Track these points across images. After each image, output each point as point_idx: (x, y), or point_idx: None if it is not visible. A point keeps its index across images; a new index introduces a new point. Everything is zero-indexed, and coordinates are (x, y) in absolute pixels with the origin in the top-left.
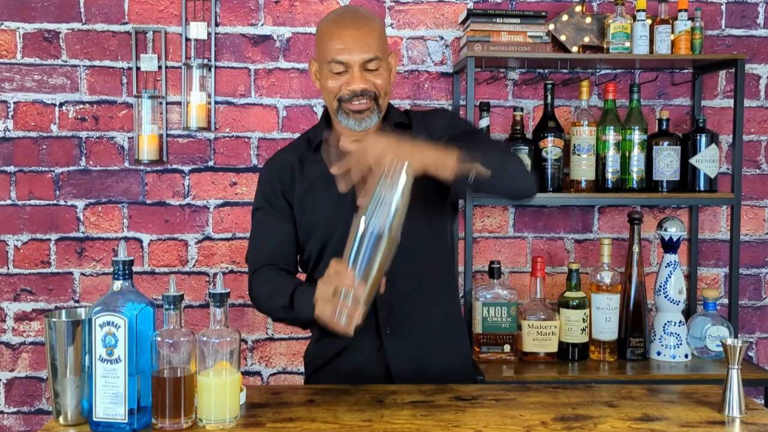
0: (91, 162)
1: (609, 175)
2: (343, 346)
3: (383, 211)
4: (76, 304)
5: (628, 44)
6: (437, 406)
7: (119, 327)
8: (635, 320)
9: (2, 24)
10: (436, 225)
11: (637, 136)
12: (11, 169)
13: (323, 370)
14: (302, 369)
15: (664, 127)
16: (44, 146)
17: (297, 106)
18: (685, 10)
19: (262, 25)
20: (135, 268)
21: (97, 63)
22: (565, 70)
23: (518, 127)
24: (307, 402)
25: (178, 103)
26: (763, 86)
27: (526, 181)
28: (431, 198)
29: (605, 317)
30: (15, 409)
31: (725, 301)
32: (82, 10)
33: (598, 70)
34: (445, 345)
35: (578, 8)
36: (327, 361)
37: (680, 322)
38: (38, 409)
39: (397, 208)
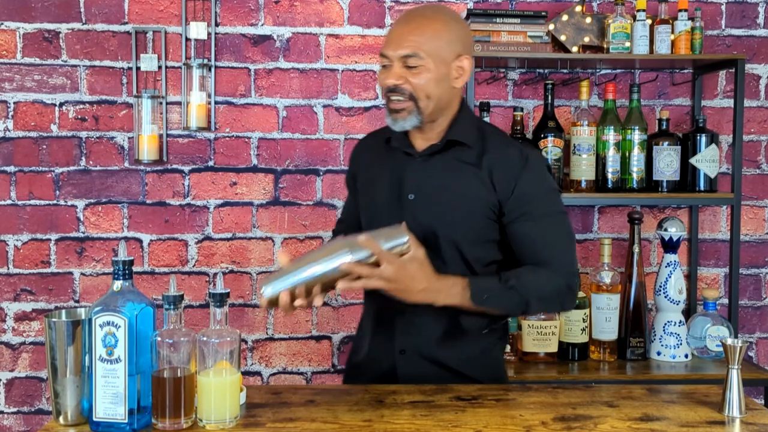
0: (91, 162)
1: (609, 175)
2: (362, 357)
3: (362, 257)
4: (76, 304)
5: (628, 44)
6: (437, 406)
7: (119, 327)
8: (635, 320)
9: (2, 24)
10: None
11: (637, 136)
12: (11, 169)
13: (349, 376)
14: (302, 369)
15: (664, 127)
16: (44, 146)
17: (297, 106)
18: (685, 10)
19: (262, 25)
20: (135, 268)
21: (97, 63)
22: (565, 70)
23: (518, 127)
24: (307, 402)
25: (178, 103)
26: (763, 86)
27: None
28: (486, 231)
29: (605, 317)
30: (15, 409)
31: (725, 301)
32: (82, 10)
33: (598, 70)
34: (466, 360)
35: (578, 8)
36: (351, 367)
37: (680, 322)
38: (38, 409)
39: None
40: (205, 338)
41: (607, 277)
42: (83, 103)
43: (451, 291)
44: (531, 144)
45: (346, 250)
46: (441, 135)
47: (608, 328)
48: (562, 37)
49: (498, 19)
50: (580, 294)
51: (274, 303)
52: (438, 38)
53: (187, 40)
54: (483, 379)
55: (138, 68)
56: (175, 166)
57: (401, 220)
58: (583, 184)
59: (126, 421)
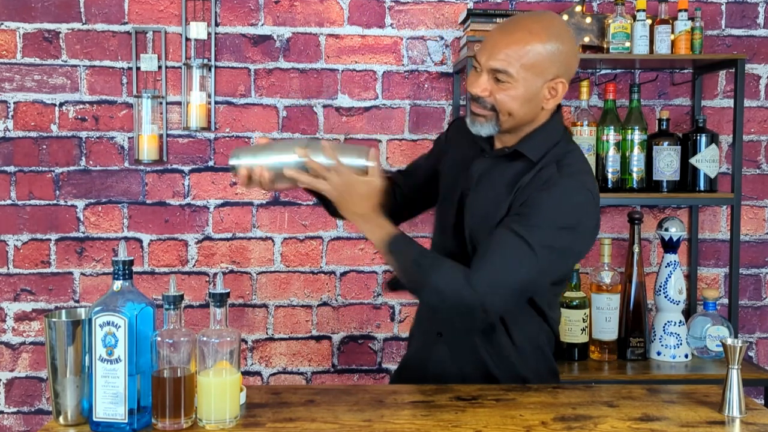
0: (91, 162)
1: (609, 175)
2: (408, 349)
3: (320, 161)
4: (76, 304)
5: (628, 44)
6: (437, 406)
7: (119, 327)
8: (635, 320)
9: (2, 24)
10: None
11: (637, 136)
12: (11, 169)
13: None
14: (302, 369)
15: (664, 127)
16: (44, 146)
17: (297, 106)
18: (685, 10)
19: (262, 25)
20: (135, 268)
21: (97, 63)
22: None
23: None
24: (307, 402)
25: (178, 103)
26: (763, 86)
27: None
28: None
29: (605, 317)
30: (15, 409)
31: (725, 301)
32: (82, 10)
33: (598, 70)
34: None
35: (578, 8)
36: (404, 362)
37: (680, 322)
38: (38, 409)
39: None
40: (205, 338)
41: (607, 277)
42: (83, 103)
43: (375, 230)
44: None
45: (309, 150)
46: (515, 142)
47: (608, 328)
48: None
49: (498, 19)
50: (580, 294)
51: (248, 177)
52: (536, 58)
53: (187, 40)
54: (515, 373)
55: (138, 68)
56: (175, 166)
57: (455, 210)
58: None
59: (126, 421)
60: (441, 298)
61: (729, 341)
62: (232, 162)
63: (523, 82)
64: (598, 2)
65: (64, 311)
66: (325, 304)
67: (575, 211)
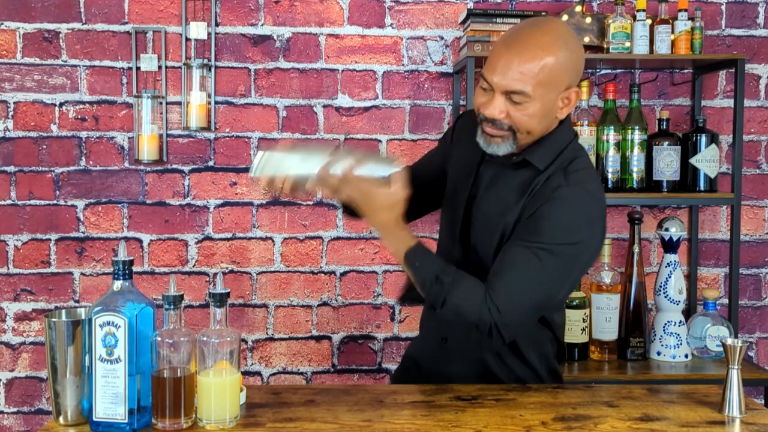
0: (91, 162)
1: (609, 175)
2: (413, 349)
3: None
4: (76, 304)
5: (628, 44)
6: (437, 406)
7: (119, 327)
8: (635, 320)
9: (2, 24)
10: None
11: (637, 136)
12: (11, 169)
13: (399, 369)
14: (302, 369)
15: (664, 127)
16: (44, 146)
17: (297, 106)
18: (685, 10)
19: (262, 25)
20: (135, 268)
21: (97, 63)
22: None
23: None
24: (307, 402)
25: (178, 103)
26: (763, 86)
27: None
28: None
29: (605, 317)
30: (15, 409)
31: (725, 301)
32: (82, 10)
33: (598, 70)
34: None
35: (578, 8)
36: (404, 358)
37: (680, 322)
38: (38, 409)
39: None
40: (205, 338)
41: (607, 277)
42: (83, 103)
43: (395, 242)
44: None
45: (331, 163)
46: (523, 149)
47: (608, 328)
48: None
49: (498, 19)
50: (580, 294)
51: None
52: (550, 73)
53: (187, 40)
54: (520, 378)
55: (138, 68)
56: (175, 166)
57: (462, 215)
58: None
59: (126, 421)
60: (459, 315)
61: (729, 341)
62: (252, 174)
63: (539, 99)
64: (598, 2)
65: (64, 311)
66: (325, 304)
67: (585, 223)
